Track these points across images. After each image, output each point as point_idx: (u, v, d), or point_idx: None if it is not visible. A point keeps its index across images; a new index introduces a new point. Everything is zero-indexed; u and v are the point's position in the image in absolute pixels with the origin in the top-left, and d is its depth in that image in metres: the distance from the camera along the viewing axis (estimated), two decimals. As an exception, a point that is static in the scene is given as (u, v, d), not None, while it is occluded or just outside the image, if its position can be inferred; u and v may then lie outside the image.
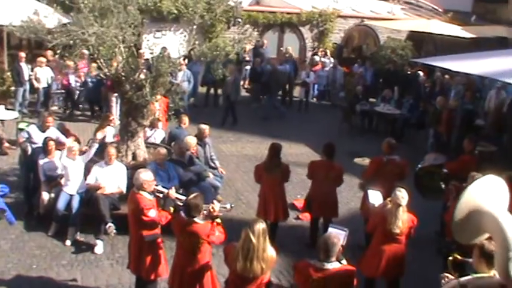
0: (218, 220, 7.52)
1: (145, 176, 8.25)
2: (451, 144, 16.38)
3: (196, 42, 11.95)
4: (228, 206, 8.17)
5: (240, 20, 25.05)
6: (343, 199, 12.50)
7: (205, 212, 7.48)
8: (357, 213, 12.14)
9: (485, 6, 35.53)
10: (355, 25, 28.55)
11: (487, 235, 5.81)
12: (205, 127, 12.71)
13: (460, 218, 5.73)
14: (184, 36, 12.26)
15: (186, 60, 18.88)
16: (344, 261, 6.61)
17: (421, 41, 29.91)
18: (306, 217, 11.78)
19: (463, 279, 5.74)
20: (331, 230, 7.59)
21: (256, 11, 26.00)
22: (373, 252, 8.60)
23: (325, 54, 25.45)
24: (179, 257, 7.66)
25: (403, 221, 8.24)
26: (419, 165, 11.32)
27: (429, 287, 8.44)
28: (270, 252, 6.63)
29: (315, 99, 23.21)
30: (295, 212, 12.29)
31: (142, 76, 11.27)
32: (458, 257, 5.95)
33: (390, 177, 10.33)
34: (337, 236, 6.56)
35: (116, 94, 16.27)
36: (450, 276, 5.97)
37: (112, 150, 10.81)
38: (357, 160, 12.09)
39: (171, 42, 13.33)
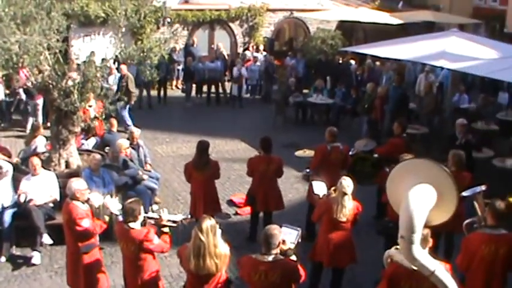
0: (165, 229, 7.50)
1: (78, 185, 8.13)
2: (384, 130, 16.67)
3: (123, 45, 11.81)
4: (180, 218, 7.97)
5: (169, 20, 24.94)
6: (281, 191, 12.58)
7: (151, 220, 7.47)
8: (294, 204, 12.33)
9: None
10: (284, 18, 28.72)
11: None
12: (135, 130, 12.62)
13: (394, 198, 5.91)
14: (114, 39, 12.13)
15: (117, 64, 18.74)
16: (293, 257, 6.68)
17: (350, 30, 30.32)
18: (244, 212, 11.85)
19: (390, 250, 6.14)
20: (284, 230, 7.60)
21: (185, 10, 25.86)
22: (321, 241, 8.69)
23: (257, 49, 25.52)
24: (124, 266, 7.63)
25: (349, 208, 8.36)
26: (350, 153, 11.48)
27: (372, 270, 8.68)
28: (223, 248, 6.62)
29: (248, 94, 23.23)
30: (234, 208, 12.33)
31: (70, 83, 11.11)
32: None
33: (335, 164, 10.67)
34: (277, 227, 6.59)
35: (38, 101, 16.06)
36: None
37: (35, 161, 10.53)
38: (298, 153, 12.19)
39: (100, 47, 13.19)
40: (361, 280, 9.53)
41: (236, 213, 12.12)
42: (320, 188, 9.17)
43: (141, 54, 11.70)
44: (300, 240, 7.30)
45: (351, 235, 8.70)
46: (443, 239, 9.67)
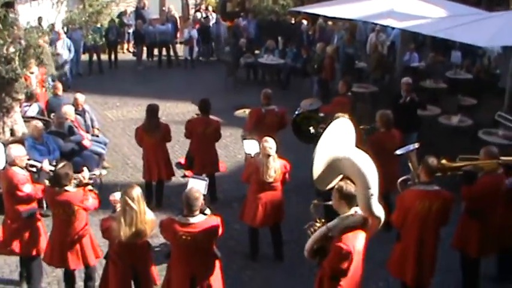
0: (90, 187, 7.56)
1: (17, 151, 8.06)
2: (334, 89, 16.72)
3: (65, 10, 11.61)
4: (97, 172, 8.17)
5: (118, -19, 24.52)
6: (230, 152, 12.68)
7: (75, 181, 7.47)
8: (243, 165, 12.30)
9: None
10: (237, -22, 28.45)
11: (340, 177, 6.07)
12: (79, 96, 12.44)
13: (320, 167, 5.96)
14: (57, 3, 11.87)
15: (65, 29, 18.45)
16: (208, 211, 6.73)
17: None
18: (191, 174, 11.86)
19: (330, 223, 5.97)
20: (192, 181, 7.68)
21: (134, -28, 25.37)
22: (250, 201, 8.78)
23: (207, 10, 25.28)
24: (56, 229, 7.60)
25: (275, 169, 8.43)
26: (296, 112, 11.53)
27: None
28: (150, 215, 6.71)
29: (200, 57, 23.08)
30: (182, 170, 12.34)
31: (11, 49, 10.91)
32: (316, 202, 6.25)
33: (271, 127, 10.64)
34: (199, 190, 6.63)
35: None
36: (318, 225, 6.22)
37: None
38: (238, 112, 12.22)
39: (49, 12, 12.90)
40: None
41: (184, 176, 12.13)
42: (251, 146, 9.26)
43: (85, 18, 11.50)
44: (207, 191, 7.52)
45: (281, 194, 8.78)
46: (381, 199, 9.81)
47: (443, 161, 7.48)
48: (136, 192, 6.57)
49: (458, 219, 7.95)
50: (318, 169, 5.92)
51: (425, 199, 7.02)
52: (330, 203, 6.04)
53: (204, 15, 24.44)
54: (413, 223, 7.12)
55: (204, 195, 6.93)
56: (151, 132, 10.54)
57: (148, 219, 6.65)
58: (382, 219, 5.97)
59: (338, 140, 6.00)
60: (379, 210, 5.88)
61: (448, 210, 7.16)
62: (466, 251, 7.92)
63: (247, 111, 11.53)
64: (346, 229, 5.78)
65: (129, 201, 6.50)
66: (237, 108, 14.65)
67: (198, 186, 7.14)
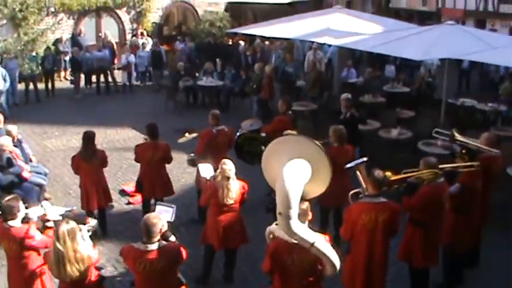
0: (50, 224, 7.30)
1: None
2: (275, 108, 16.81)
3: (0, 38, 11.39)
4: (62, 211, 7.75)
5: (53, 9, 24.17)
6: (174, 177, 12.52)
7: (34, 217, 7.26)
8: (188, 189, 12.35)
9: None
10: (172, 2, 28.41)
11: None
12: (11, 127, 12.10)
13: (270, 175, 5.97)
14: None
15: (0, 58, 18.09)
16: (172, 238, 6.67)
17: (239, 11, 30.40)
18: (137, 201, 11.73)
19: (272, 226, 6.23)
20: (159, 208, 7.62)
21: (70, -2, 25.11)
22: (211, 224, 8.70)
23: (143, 35, 25.17)
24: (8, 265, 7.40)
25: (235, 191, 8.41)
26: (238, 134, 11.55)
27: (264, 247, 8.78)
28: (84, 251, 6.39)
29: (138, 81, 22.95)
30: (126, 197, 12.19)
31: None
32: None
33: (222, 147, 10.75)
34: (157, 216, 6.53)
35: None
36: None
37: None
38: (181, 140, 12.12)
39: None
40: (258, 257, 9.59)
41: (129, 203, 11.98)
42: (207, 170, 9.20)
43: (21, 46, 11.31)
44: (174, 218, 7.44)
45: (240, 215, 8.77)
46: (333, 213, 9.91)
47: (388, 174, 7.55)
48: (64, 228, 6.24)
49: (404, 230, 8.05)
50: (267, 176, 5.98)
51: (372, 211, 7.09)
52: None
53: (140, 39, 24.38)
54: (361, 235, 7.18)
55: (170, 222, 6.85)
56: (89, 160, 10.38)
57: (82, 257, 6.33)
58: (311, 239, 5.91)
59: (280, 155, 5.99)
60: (300, 230, 5.84)
61: (396, 222, 7.24)
62: (411, 262, 8.00)
63: (188, 135, 11.42)
64: (278, 239, 6.07)
65: (55, 240, 6.26)
66: (178, 132, 14.60)
67: (164, 214, 7.07)
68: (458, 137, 8.96)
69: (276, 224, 6.21)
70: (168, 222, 6.92)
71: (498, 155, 9.10)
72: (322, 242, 5.88)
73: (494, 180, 9.30)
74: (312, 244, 5.79)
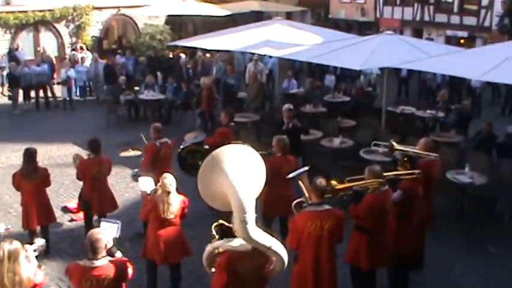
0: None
1: None
2: (217, 120, 16.82)
3: None
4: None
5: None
6: (117, 192, 12.37)
7: None
8: (132, 203, 12.22)
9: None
10: (112, 16, 28.26)
11: None
12: None
13: (207, 190, 5.93)
14: None
15: None
16: (118, 254, 6.60)
17: (180, 24, 30.40)
18: (79, 218, 11.54)
19: (216, 242, 6.14)
20: (104, 225, 7.49)
21: (6, 12, 24.68)
22: (152, 240, 8.61)
23: (82, 49, 24.91)
24: None
25: (175, 205, 8.34)
26: (181, 146, 11.52)
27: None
28: (25, 272, 6.09)
29: (78, 96, 22.67)
30: (69, 214, 11.99)
31: None
32: (225, 223, 6.20)
33: (166, 160, 10.66)
34: (100, 231, 6.43)
35: None
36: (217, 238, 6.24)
37: None
38: (123, 154, 12.00)
39: None
40: (203, 270, 9.54)
41: (71, 220, 11.78)
42: (147, 184, 9.10)
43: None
44: (120, 234, 7.26)
45: (181, 229, 8.69)
46: (279, 224, 9.94)
47: (334, 182, 7.64)
48: (5, 249, 5.98)
49: (350, 234, 8.14)
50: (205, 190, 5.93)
51: (317, 219, 7.15)
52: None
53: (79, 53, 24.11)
54: (307, 244, 7.22)
55: (115, 238, 6.76)
56: (30, 177, 10.14)
57: (20, 279, 6.03)
58: (268, 243, 5.94)
59: (225, 164, 5.98)
60: (263, 238, 5.86)
61: (341, 228, 7.31)
62: (357, 264, 8.10)
63: (131, 150, 11.33)
64: (228, 253, 6.03)
65: None
66: (120, 146, 14.47)
67: (109, 230, 6.95)
68: (397, 146, 9.12)
69: (219, 240, 6.18)
70: (113, 238, 6.83)
71: (437, 159, 9.35)
72: (277, 244, 5.93)
73: (435, 184, 9.54)
74: (270, 247, 5.83)
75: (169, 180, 8.31)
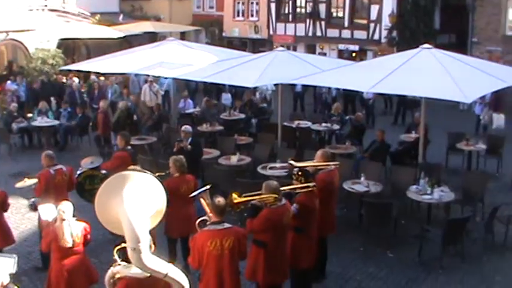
0: None
1: None
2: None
3: None
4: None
5: None
6: (12, 224, 11.98)
7: None
8: (28, 235, 11.86)
9: (132, 4, 36.85)
10: (1, 40, 27.41)
11: None
12: None
13: (104, 216, 5.84)
14: None
15: None
16: None
17: (73, 47, 29.94)
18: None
19: (116, 267, 6.03)
20: None
21: None
22: (55, 270, 8.37)
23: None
24: None
25: (74, 233, 8.15)
26: (78, 172, 11.29)
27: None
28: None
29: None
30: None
31: None
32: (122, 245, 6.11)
33: (61, 187, 10.36)
34: None
35: None
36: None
37: None
38: (18, 184, 11.61)
39: None
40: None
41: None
42: (48, 212, 8.86)
43: None
44: (16, 269, 7.05)
45: (84, 257, 8.51)
46: (180, 243, 9.90)
47: (234, 195, 7.68)
48: None
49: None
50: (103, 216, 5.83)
51: (216, 238, 7.17)
52: None
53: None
54: (209, 262, 7.23)
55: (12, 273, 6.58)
56: None
57: None
58: (164, 270, 5.92)
59: (116, 193, 5.92)
60: (152, 263, 5.84)
61: (242, 245, 7.37)
62: (255, 280, 8.16)
63: (27, 180, 10.95)
64: (126, 279, 5.93)
65: None
66: (14, 177, 14.06)
67: (5, 265, 6.73)
68: (295, 164, 9.26)
69: (119, 265, 6.10)
70: (9, 273, 6.62)
71: (334, 169, 9.66)
72: (174, 270, 5.88)
73: (337, 194, 9.88)
74: (166, 274, 5.78)
75: (63, 207, 8.14)
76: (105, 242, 10.23)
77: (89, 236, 8.46)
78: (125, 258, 6.24)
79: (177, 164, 9.79)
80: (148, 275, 5.88)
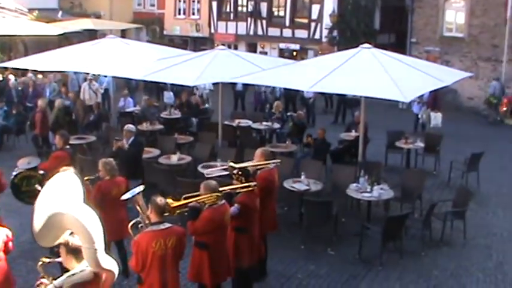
0: None
1: None
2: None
3: None
4: None
5: None
6: None
7: None
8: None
9: (71, 1, 36.31)
10: None
11: (69, 231, 5.87)
12: None
13: (41, 224, 5.69)
14: None
15: None
16: None
17: (10, 44, 29.30)
18: None
19: (57, 281, 5.74)
20: None
21: None
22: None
23: None
24: None
25: None
26: (14, 173, 11.00)
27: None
28: None
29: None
30: None
31: None
32: (46, 260, 5.94)
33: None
34: None
35: None
36: (46, 281, 5.92)
37: None
38: None
39: None
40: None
41: None
42: None
43: None
44: None
45: (6, 265, 7.95)
46: (115, 247, 9.69)
47: (169, 201, 7.60)
48: None
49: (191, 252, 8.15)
50: (38, 226, 5.65)
51: (160, 238, 7.11)
52: (59, 259, 5.83)
53: None
54: (153, 264, 7.15)
55: None
56: None
57: None
58: (116, 271, 5.88)
59: (60, 195, 5.81)
60: (108, 263, 5.77)
61: (182, 245, 7.34)
62: (201, 281, 8.13)
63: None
64: (75, 286, 5.62)
65: None
66: None
67: None
68: (235, 165, 9.20)
69: (54, 279, 5.91)
70: None
71: (274, 167, 9.73)
72: (113, 265, 5.84)
73: (277, 193, 9.91)
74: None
75: None
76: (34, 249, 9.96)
77: (10, 244, 7.87)
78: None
79: (107, 167, 9.55)
80: (92, 276, 5.79)
